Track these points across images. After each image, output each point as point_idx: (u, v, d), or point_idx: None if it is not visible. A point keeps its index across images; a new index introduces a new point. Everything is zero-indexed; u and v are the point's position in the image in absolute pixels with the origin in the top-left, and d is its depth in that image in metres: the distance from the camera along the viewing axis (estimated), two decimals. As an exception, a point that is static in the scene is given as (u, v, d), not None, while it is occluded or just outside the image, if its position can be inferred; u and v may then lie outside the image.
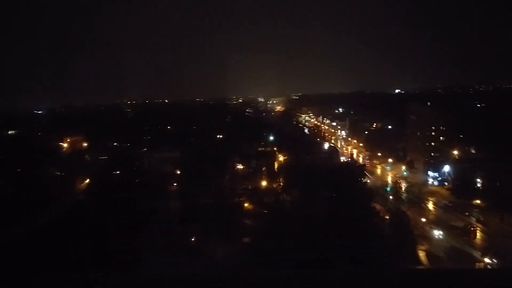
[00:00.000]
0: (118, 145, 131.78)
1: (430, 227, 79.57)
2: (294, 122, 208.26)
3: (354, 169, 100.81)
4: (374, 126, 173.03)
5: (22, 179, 79.04)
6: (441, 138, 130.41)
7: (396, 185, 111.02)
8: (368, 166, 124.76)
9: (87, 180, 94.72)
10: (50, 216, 61.03)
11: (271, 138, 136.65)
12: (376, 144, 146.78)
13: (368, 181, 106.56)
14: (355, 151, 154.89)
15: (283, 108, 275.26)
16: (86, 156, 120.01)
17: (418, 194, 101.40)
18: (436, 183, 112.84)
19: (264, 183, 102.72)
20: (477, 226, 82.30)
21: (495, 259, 66.02)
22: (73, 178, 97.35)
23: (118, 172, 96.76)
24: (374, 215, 72.29)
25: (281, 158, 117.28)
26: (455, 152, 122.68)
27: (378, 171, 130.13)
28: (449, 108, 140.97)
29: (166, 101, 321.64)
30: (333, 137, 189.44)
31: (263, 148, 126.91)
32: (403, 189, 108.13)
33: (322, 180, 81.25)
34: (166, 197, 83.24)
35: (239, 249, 63.48)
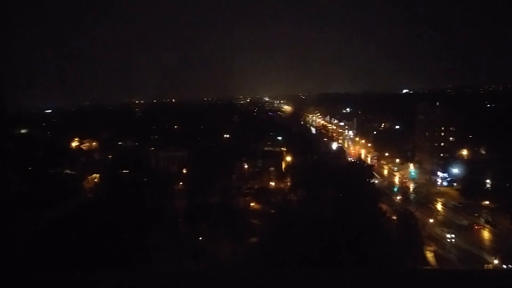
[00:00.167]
0: (126, 144, 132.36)
1: (442, 230, 78.80)
2: (302, 122, 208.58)
3: (362, 169, 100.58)
4: (382, 126, 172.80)
5: (33, 178, 79.37)
6: (450, 138, 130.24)
7: (403, 185, 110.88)
8: (375, 167, 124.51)
9: (96, 179, 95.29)
10: (59, 214, 61.14)
11: (278, 137, 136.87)
12: (384, 144, 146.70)
13: (376, 181, 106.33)
14: (362, 151, 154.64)
15: (290, 108, 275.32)
16: (95, 155, 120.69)
17: (426, 194, 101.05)
18: (444, 183, 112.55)
19: (271, 182, 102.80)
20: (482, 225, 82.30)
21: (504, 260, 65.81)
22: (82, 177, 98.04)
23: (126, 171, 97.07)
24: (381, 215, 72.09)
25: (288, 158, 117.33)
26: (465, 153, 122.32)
27: (386, 171, 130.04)
28: (459, 108, 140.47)
29: (174, 100, 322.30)
30: (340, 137, 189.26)
31: (270, 148, 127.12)
32: (410, 189, 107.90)
33: (329, 180, 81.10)
34: (173, 196, 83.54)
35: (245, 248, 63.57)
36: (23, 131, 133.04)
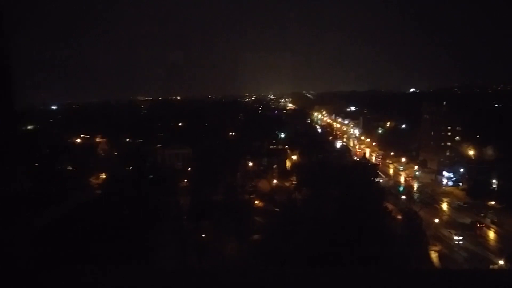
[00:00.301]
0: (131, 141, 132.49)
1: (450, 232, 78.38)
2: (307, 120, 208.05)
3: (367, 168, 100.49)
4: (387, 125, 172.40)
5: (39, 174, 79.61)
6: (456, 138, 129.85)
7: (409, 185, 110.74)
8: (380, 166, 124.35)
9: (101, 175, 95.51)
10: (64, 211, 61.32)
11: (283, 136, 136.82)
12: (389, 143, 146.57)
13: (381, 180, 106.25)
14: (367, 150, 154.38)
15: (295, 106, 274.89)
16: (101, 152, 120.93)
17: (431, 194, 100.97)
18: (450, 183, 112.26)
19: (275, 181, 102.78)
20: (484, 224, 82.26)
21: (510, 260, 65.70)
22: (87, 173, 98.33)
23: (131, 167, 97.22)
24: (386, 215, 72.05)
25: (293, 156, 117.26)
26: (471, 152, 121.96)
27: (391, 170, 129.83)
28: (466, 108, 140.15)
29: (179, 98, 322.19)
30: (345, 136, 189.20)
31: (275, 146, 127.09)
32: (416, 189, 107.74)
33: (334, 179, 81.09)
34: (178, 193, 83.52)
35: (249, 246, 63.61)
36: (29, 127, 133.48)
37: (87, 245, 47.44)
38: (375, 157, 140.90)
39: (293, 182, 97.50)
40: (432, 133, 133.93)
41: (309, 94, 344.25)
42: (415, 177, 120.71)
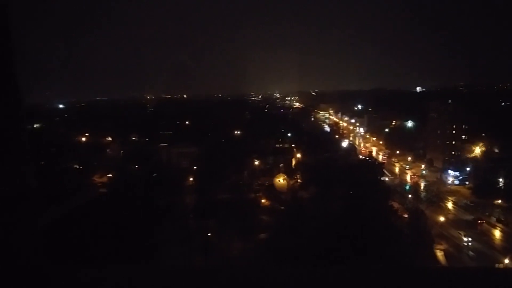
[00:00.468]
0: (137, 139, 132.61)
1: (459, 233, 77.84)
2: (313, 119, 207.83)
3: (373, 167, 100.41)
4: (393, 123, 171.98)
5: (45, 172, 79.81)
6: (462, 136, 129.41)
7: (414, 183, 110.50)
8: (386, 164, 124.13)
9: (107, 174, 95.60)
10: (69, 209, 61.46)
11: (289, 134, 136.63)
12: (395, 142, 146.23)
13: (387, 179, 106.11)
14: (373, 149, 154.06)
15: (301, 105, 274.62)
16: (106, 150, 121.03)
17: (437, 193, 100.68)
18: (456, 182, 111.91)
19: (281, 179, 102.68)
20: (485, 220, 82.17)
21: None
22: (93, 172, 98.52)
23: (137, 166, 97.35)
24: (392, 213, 71.99)
25: (298, 154, 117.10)
26: (477, 151, 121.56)
27: (397, 169, 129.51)
28: (472, 106, 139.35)
29: (185, 96, 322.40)
30: (351, 134, 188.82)
31: (281, 145, 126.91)
32: (422, 187, 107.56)
33: (340, 178, 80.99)
34: (183, 192, 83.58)
35: (255, 244, 63.60)
36: (36, 126, 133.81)
37: (92, 244, 47.61)
38: (381, 156, 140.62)
39: (299, 180, 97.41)
40: (439, 131, 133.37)
41: (315, 92, 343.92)
42: (421, 176, 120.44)
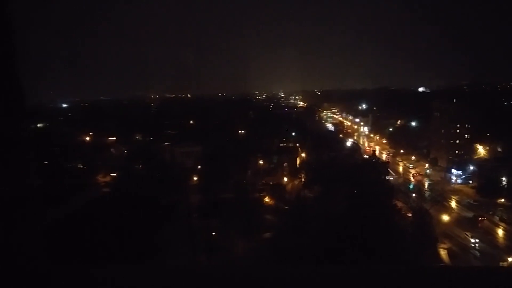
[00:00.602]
0: (141, 139, 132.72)
1: (466, 234, 77.42)
2: (317, 118, 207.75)
3: (377, 166, 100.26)
4: (397, 123, 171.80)
5: (48, 172, 79.99)
6: (466, 136, 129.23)
7: (418, 182, 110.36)
8: (390, 163, 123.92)
9: (111, 173, 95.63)
10: (72, 208, 61.61)
11: (293, 134, 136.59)
12: (399, 141, 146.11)
13: (391, 178, 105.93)
14: (377, 148, 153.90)
15: (305, 104, 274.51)
16: (110, 149, 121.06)
17: (441, 192, 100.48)
18: (460, 181, 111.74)
19: (285, 179, 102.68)
20: (485, 217, 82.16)
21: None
22: (97, 171, 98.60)
23: (140, 165, 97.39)
24: (396, 212, 71.86)
25: (303, 154, 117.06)
26: (481, 150, 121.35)
27: (401, 168, 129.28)
28: (476, 106, 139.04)
29: (189, 95, 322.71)
30: (355, 134, 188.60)
31: (285, 144, 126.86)
32: (425, 187, 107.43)
33: (344, 177, 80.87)
34: (187, 191, 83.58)
35: (259, 244, 63.57)
36: (40, 125, 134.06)
37: (95, 243, 47.65)
38: (385, 155, 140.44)
39: (303, 180, 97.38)
40: (442, 131, 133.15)
41: (319, 92, 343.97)
42: (425, 175, 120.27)
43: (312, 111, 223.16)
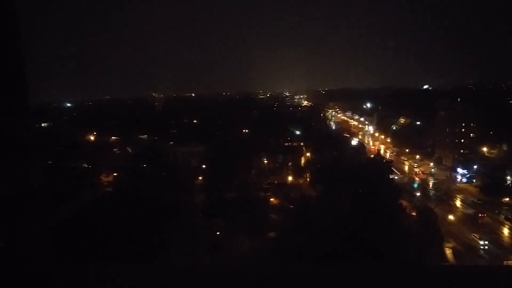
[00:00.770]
0: (145, 138, 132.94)
1: (474, 236, 76.98)
2: (321, 117, 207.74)
3: (381, 165, 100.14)
4: (402, 122, 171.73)
5: (52, 171, 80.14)
6: (471, 134, 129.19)
7: (423, 182, 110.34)
8: (395, 162, 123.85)
9: (115, 173, 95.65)
10: (76, 208, 61.72)
11: (298, 133, 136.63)
12: (404, 140, 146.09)
13: (395, 177, 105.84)
14: (382, 147, 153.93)
15: (310, 103, 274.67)
16: (114, 149, 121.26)
17: (446, 191, 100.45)
18: (464, 180, 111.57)
19: (290, 178, 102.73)
20: (485, 214, 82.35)
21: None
22: (101, 171, 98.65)
23: (144, 165, 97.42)
24: (401, 211, 71.75)
25: (307, 153, 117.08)
26: (485, 149, 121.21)
27: (406, 167, 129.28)
28: (480, 104, 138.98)
29: (193, 95, 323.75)
30: (360, 133, 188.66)
31: (290, 143, 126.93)
32: (430, 186, 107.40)
33: (348, 176, 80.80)
34: (192, 191, 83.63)
35: (264, 243, 63.58)
36: (44, 124, 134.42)
37: (100, 242, 47.73)
38: (390, 154, 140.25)
39: (308, 179, 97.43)
40: (447, 130, 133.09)
41: (324, 91, 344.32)
42: (430, 174, 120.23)
43: (316, 110, 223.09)
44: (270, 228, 69.26)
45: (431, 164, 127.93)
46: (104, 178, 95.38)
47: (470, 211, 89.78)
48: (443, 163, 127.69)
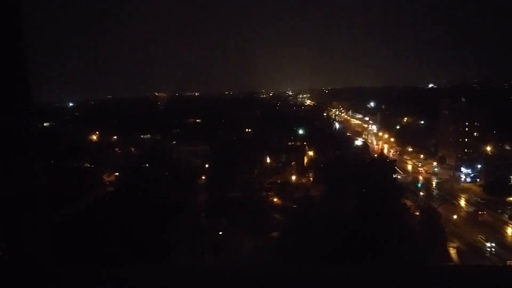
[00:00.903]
0: (147, 138, 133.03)
1: (481, 238, 76.60)
2: (325, 116, 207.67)
3: (385, 165, 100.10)
4: (405, 121, 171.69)
5: (54, 171, 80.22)
6: (474, 134, 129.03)
7: (427, 181, 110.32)
8: (399, 162, 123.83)
9: (117, 173, 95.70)
10: (78, 208, 61.77)
11: (301, 132, 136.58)
12: (408, 139, 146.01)
13: (399, 176, 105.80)
14: (385, 146, 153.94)
15: (313, 102, 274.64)
16: (116, 148, 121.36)
17: (449, 190, 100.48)
18: (468, 179, 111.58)
19: (293, 177, 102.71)
20: (484, 212, 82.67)
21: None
22: (103, 170, 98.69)
23: (147, 164, 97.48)
24: (404, 211, 71.70)
25: (311, 152, 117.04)
26: (489, 149, 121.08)
27: (409, 166, 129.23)
28: (484, 104, 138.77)
29: (196, 94, 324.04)
30: (363, 132, 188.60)
31: (293, 143, 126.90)
32: (434, 185, 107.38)
33: (352, 175, 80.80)
34: (195, 190, 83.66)
35: (266, 243, 63.59)
36: (46, 124, 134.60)
37: (102, 243, 47.75)
38: (393, 153, 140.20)
39: (311, 178, 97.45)
40: (450, 129, 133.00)
41: (327, 90, 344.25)
42: (433, 173, 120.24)
43: (320, 109, 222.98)
44: (273, 227, 69.26)
45: (435, 163, 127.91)
46: (107, 178, 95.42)
47: (473, 210, 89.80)
48: (447, 162, 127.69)
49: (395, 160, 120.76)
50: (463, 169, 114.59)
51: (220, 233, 67.85)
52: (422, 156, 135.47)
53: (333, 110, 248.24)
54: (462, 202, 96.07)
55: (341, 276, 3.72)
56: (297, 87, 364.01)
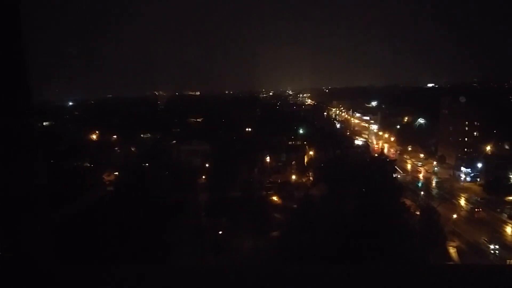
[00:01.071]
0: (147, 137, 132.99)
1: (484, 239, 76.44)
2: (325, 116, 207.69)
3: (385, 164, 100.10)
4: (406, 120, 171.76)
5: (54, 171, 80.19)
6: (474, 133, 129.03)
7: (426, 180, 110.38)
8: (399, 161, 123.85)
9: (117, 172, 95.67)
10: (78, 208, 61.77)
11: (301, 132, 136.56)
12: (408, 138, 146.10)
13: (399, 176, 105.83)
14: (386, 146, 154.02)
15: (313, 102, 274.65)
16: (116, 148, 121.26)
17: (449, 190, 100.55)
18: (468, 179, 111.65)
19: (293, 177, 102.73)
20: (480, 209, 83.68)
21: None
22: (103, 170, 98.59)
23: (147, 164, 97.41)
24: (404, 210, 71.71)
25: (311, 152, 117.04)
26: (489, 148, 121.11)
27: (409, 166, 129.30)
28: (484, 103, 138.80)
29: (196, 93, 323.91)
30: (364, 131, 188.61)
31: (293, 142, 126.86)
32: (434, 184, 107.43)
33: (352, 175, 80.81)
34: (195, 190, 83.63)
35: (267, 242, 63.60)
36: (46, 123, 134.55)
37: (102, 243, 47.78)
38: (394, 153, 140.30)
39: (312, 178, 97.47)
40: (450, 128, 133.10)
41: (327, 89, 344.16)
42: (433, 173, 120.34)
43: (320, 108, 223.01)
44: (273, 227, 69.29)
45: (435, 162, 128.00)
46: (107, 178, 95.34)
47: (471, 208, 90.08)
48: (447, 161, 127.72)
49: (395, 160, 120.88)
50: (463, 169, 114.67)
51: (220, 232, 67.87)
52: (422, 155, 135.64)
53: (334, 109, 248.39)
54: (462, 201, 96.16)
55: (341, 276, 3.72)
56: (298, 86, 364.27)
